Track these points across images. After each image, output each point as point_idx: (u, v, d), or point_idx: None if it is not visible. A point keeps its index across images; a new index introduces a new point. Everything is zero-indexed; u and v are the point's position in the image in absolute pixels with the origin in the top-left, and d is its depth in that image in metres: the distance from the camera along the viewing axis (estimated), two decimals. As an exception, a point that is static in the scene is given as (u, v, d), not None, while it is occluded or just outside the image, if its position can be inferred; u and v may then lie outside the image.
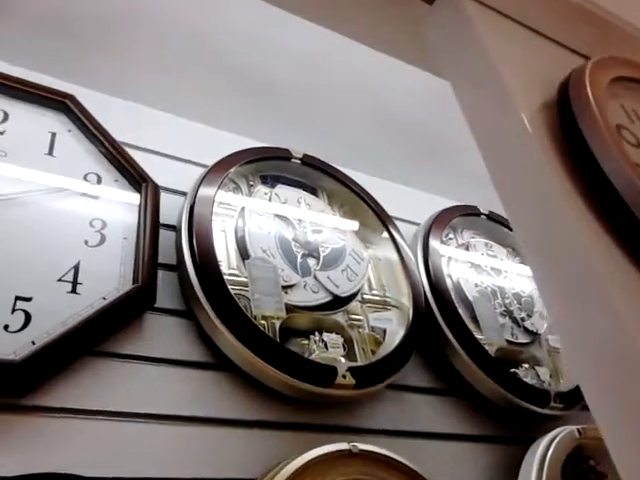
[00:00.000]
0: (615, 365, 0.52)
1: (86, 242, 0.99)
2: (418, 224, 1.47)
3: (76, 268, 0.95)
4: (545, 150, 0.63)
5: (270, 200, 1.23)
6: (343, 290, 1.16)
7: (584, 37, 0.87)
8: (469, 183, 1.68)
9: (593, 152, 0.59)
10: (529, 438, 1.19)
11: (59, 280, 0.92)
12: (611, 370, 0.52)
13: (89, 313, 0.90)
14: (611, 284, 0.54)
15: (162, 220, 1.09)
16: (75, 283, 0.94)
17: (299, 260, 1.16)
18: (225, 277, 1.02)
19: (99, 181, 1.09)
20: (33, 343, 0.83)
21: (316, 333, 1.07)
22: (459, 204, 1.50)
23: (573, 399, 1.23)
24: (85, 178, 1.07)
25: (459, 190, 1.64)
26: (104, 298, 0.94)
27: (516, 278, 1.46)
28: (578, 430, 1.15)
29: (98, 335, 0.92)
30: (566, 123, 0.62)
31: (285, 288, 1.09)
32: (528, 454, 1.12)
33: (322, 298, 1.13)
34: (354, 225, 1.32)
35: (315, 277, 1.15)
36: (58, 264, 0.94)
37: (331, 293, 1.15)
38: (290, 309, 1.07)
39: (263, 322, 1.03)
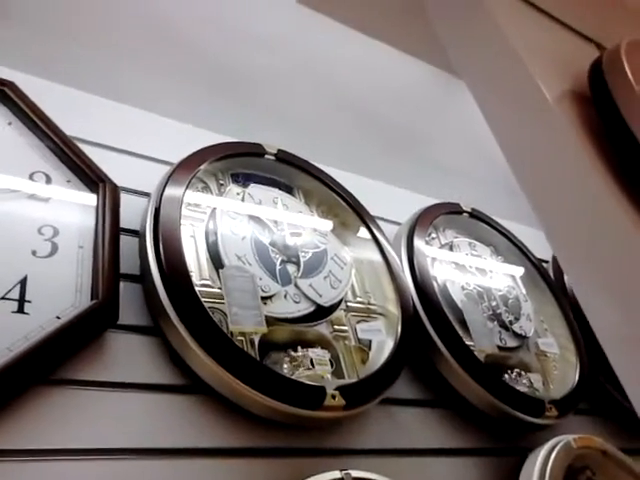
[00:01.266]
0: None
1: (34, 253, 0.86)
2: (397, 223, 1.39)
3: (23, 283, 0.82)
4: (577, 134, 0.57)
5: (243, 201, 1.11)
6: (327, 299, 1.06)
7: (592, 22, 0.81)
8: (445, 178, 1.62)
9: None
10: (522, 449, 1.14)
11: (2, 298, 0.79)
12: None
13: (40, 336, 0.77)
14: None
15: (123, 225, 0.96)
16: (22, 301, 0.80)
17: (278, 267, 1.05)
18: (197, 288, 0.91)
19: (48, 181, 0.95)
20: (-28, 375, 0.69)
21: (299, 348, 0.97)
22: (440, 201, 1.42)
23: (567, 406, 1.17)
24: (31, 178, 0.93)
25: (436, 186, 1.57)
26: (58, 317, 0.81)
27: (501, 278, 1.39)
28: (574, 440, 1.10)
29: (52, 361, 0.79)
30: (601, 104, 0.56)
31: (264, 299, 0.98)
32: (526, 467, 1.06)
33: (304, 309, 1.03)
34: (333, 226, 1.22)
35: (296, 285, 1.05)
36: (0, 280, 0.80)
37: (314, 303, 1.04)
38: (270, 322, 0.96)
39: (240, 338, 0.93)
